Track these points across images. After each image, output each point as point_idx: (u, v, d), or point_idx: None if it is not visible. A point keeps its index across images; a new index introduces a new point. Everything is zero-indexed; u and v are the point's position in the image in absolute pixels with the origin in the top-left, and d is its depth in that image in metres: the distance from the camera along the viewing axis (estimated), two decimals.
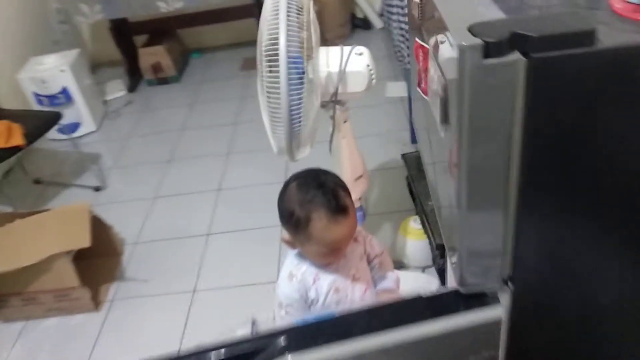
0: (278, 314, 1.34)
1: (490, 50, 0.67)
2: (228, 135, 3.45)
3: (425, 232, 2.04)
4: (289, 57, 1.38)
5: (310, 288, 1.29)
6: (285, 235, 1.26)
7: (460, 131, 0.74)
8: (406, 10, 3.07)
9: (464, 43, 0.67)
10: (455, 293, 0.93)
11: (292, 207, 1.17)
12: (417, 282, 2.10)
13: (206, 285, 2.38)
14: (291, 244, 1.27)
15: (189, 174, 3.16)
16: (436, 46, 0.87)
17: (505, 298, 0.91)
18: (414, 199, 2.34)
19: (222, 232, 2.66)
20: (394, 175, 2.67)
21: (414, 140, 3.02)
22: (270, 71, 1.42)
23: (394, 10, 3.45)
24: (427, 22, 0.94)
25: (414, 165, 2.20)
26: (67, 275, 2.20)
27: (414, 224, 2.21)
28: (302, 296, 1.29)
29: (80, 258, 2.27)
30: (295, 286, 1.29)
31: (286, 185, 1.22)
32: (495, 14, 0.75)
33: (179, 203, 2.92)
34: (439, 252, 1.88)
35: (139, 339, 2.17)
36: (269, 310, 1.91)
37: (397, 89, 3.44)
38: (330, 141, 1.69)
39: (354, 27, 4.43)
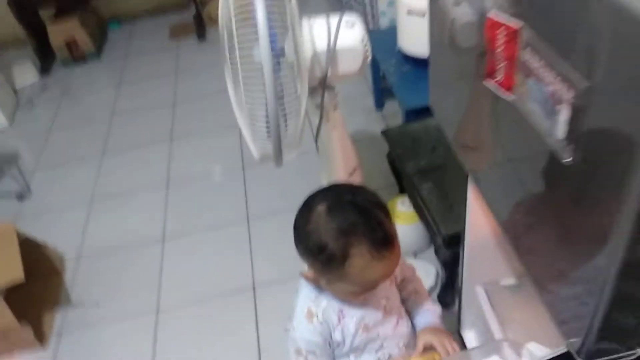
0: None
1: None
2: (168, 117, 3.04)
3: (422, 217, 1.80)
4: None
5: (335, 329, 1.03)
6: (307, 271, 0.98)
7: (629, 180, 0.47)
8: None
9: None
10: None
11: (323, 240, 0.89)
12: None
13: (171, 301, 2.06)
14: (314, 281, 0.99)
15: (129, 167, 2.75)
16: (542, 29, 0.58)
17: None
18: (398, 179, 2.09)
19: (180, 236, 2.31)
20: (368, 148, 2.36)
21: (378, 105, 2.76)
22: (243, 58, 1.09)
23: None
24: None
25: (398, 143, 1.92)
26: (0, 315, 1.82)
27: (402, 207, 1.98)
28: (325, 339, 1.04)
29: (12, 287, 1.88)
30: (317, 328, 1.02)
31: (309, 207, 0.93)
32: None
33: (122, 204, 2.54)
34: (443, 242, 1.65)
35: None
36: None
37: None
38: (316, 135, 1.38)
39: None
